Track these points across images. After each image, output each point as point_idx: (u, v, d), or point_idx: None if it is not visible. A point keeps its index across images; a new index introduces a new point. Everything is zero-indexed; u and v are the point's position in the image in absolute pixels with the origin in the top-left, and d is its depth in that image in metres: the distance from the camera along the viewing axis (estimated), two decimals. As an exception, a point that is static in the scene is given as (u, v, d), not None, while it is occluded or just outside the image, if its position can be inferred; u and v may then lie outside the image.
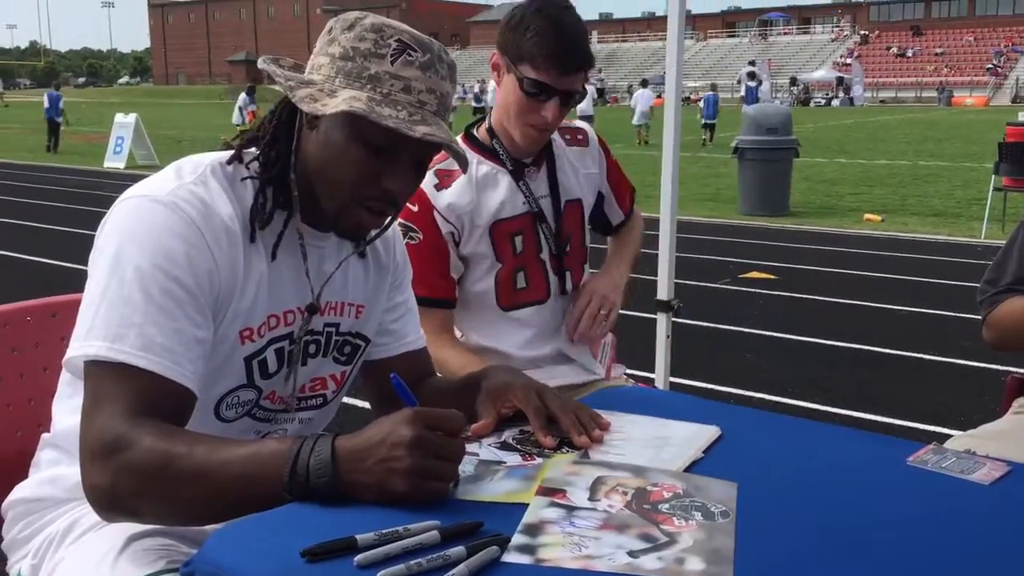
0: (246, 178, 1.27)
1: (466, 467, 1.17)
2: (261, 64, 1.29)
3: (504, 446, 1.28)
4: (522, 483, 1.14)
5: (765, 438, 1.34)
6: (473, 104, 29.05)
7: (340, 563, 0.94)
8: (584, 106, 18.68)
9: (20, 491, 1.35)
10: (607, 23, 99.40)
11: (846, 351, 5.23)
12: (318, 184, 1.26)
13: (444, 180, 1.97)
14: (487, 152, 2.01)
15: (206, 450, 1.09)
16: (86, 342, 1.14)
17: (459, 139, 2.03)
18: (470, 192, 1.97)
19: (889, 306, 6.28)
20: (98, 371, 1.14)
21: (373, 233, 1.38)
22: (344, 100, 1.17)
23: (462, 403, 1.41)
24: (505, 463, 1.21)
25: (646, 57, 75.26)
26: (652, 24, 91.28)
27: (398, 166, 1.23)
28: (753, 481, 1.16)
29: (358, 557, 0.94)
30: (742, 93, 32.41)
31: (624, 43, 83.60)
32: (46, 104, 20.65)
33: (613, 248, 2.28)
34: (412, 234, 1.95)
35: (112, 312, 1.14)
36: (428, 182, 1.96)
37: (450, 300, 2.01)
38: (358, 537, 0.97)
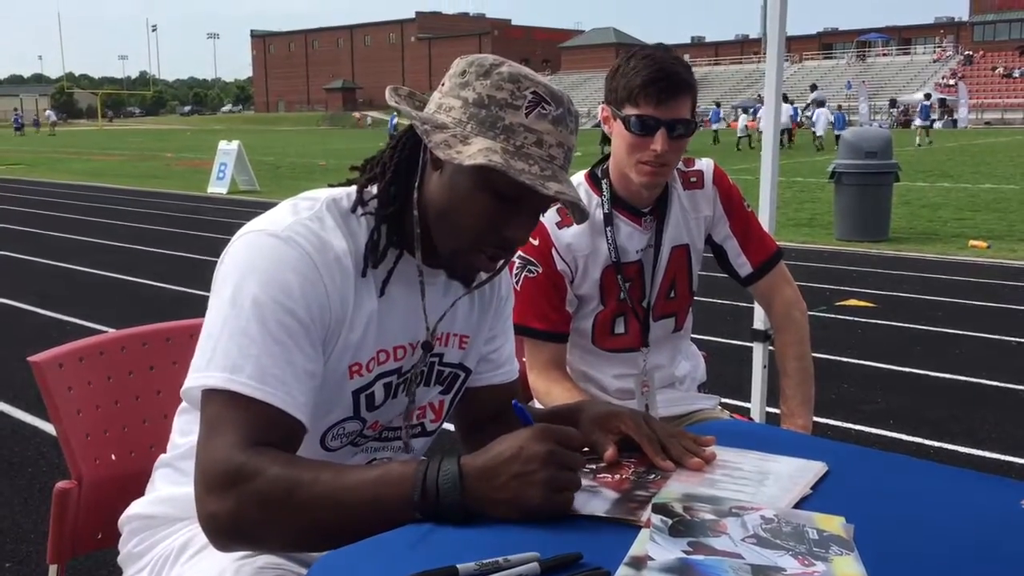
0: (364, 214, 1.29)
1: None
2: (391, 100, 1.29)
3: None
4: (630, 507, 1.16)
5: (872, 476, 1.31)
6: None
7: (442, 592, 0.95)
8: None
9: (136, 507, 1.41)
10: (699, 46, 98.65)
11: (951, 383, 5.04)
12: (437, 226, 1.27)
13: (566, 218, 1.98)
14: (607, 197, 2.00)
15: (331, 476, 1.12)
16: (207, 372, 1.17)
17: (582, 177, 2.05)
18: (589, 236, 1.98)
19: (996, 336, 6.03)
20: (215, 399, 1.17)
21: (484, 276, 1.40)
22: (480, 151, 1.17)
23: None
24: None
25: (739, 80, 74.32)
26: (745, 47, 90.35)
27: (522, 216, 1.24)
28: (863, 521, 1.13)
29: (459, 586, 0.95)
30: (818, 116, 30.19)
31: (716, 66, 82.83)
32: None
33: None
34: (531, 267, 1.97)
35: (231, 344, 1.17)
36: (550, 218, 1.98)
37: (564, 334, 2.03)
38: (459, 567, 0.97)
